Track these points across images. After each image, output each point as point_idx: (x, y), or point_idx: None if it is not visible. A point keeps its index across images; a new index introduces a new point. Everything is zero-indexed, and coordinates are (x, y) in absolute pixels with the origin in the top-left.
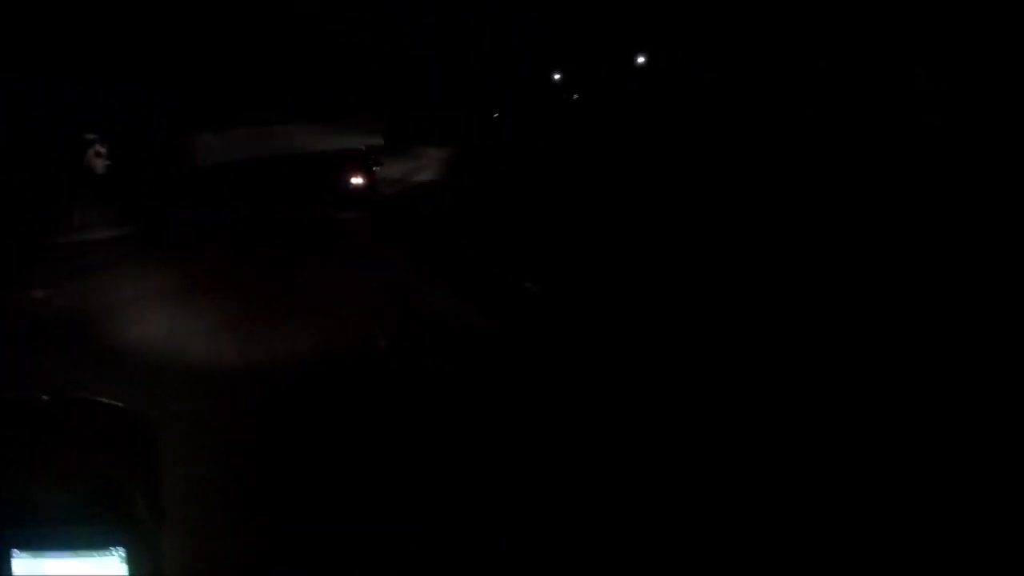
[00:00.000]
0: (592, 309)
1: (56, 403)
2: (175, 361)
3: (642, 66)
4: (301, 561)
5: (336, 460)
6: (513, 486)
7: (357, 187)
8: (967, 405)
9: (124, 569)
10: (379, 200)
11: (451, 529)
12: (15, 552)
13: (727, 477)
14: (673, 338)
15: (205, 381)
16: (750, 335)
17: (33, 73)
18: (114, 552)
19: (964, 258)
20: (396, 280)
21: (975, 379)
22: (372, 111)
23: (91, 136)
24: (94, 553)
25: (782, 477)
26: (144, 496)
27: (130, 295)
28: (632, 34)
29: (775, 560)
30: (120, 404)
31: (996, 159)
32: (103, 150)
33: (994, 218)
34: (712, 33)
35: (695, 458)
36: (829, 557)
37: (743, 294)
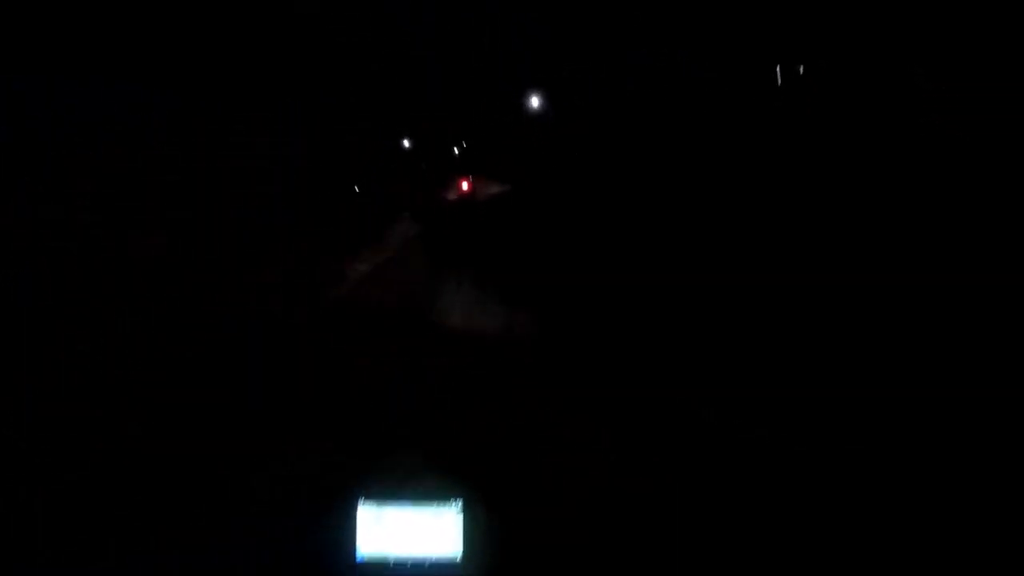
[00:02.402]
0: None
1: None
2: None
3: (641, 65)
4: None
5: None
6: None
7: None
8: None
9: (460, 521)
10: None
11: None
12: (362, 500)
13: None
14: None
15: None
16: (750, 340)
17: (33, 73)
18: (452, 504)
19: (964, 258)
20: None
21: (974, 380)
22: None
23: None
24: (433, 504)
25: None
26: (483, 455)
27: None
28: (630, 33)
29: None
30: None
31: (996, 159)
32: None
33: (994, 218)
34: (712, 33)
35: None
36: None
37: (742, 299)
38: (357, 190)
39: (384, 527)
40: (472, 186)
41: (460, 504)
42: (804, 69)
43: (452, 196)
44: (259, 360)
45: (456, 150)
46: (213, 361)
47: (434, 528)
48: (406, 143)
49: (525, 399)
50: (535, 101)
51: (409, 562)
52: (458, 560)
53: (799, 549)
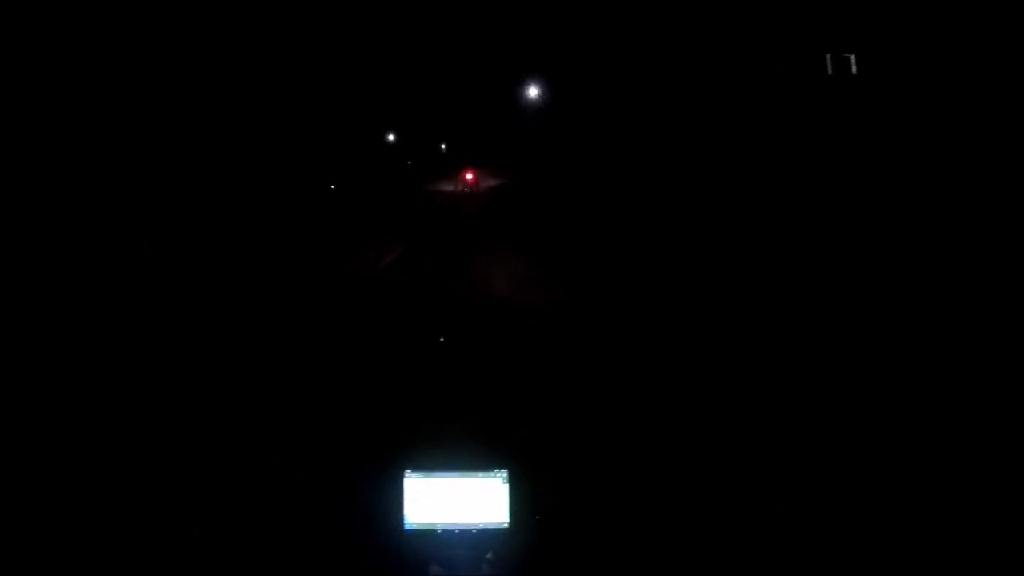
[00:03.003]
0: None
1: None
2: None
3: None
4: None
5: None
6: None
7: None
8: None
9: (506, 490)
10: None
11: None
12: (408, 472)
13: None
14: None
15: None
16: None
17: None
18: (497, 474)
19: (964, 259)
20: None
21: (976, 380)
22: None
23: None
24: (479, 474)
25: None
26: (528, 424)
27: None
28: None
29: None
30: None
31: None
32: None
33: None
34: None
35: None
36: None
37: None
38: (332, 188)
39: (431, 497)
40: (476, 178)
41: (506, 473)
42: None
43: (451, 188)
44: (305, 341)
45: (443, 146)
46: (261, 344)
47: (481, 497)
48: (391, 137)
49: (564, 368)
50: (532, 93)
51: (457, 530)
52: (505, 527)
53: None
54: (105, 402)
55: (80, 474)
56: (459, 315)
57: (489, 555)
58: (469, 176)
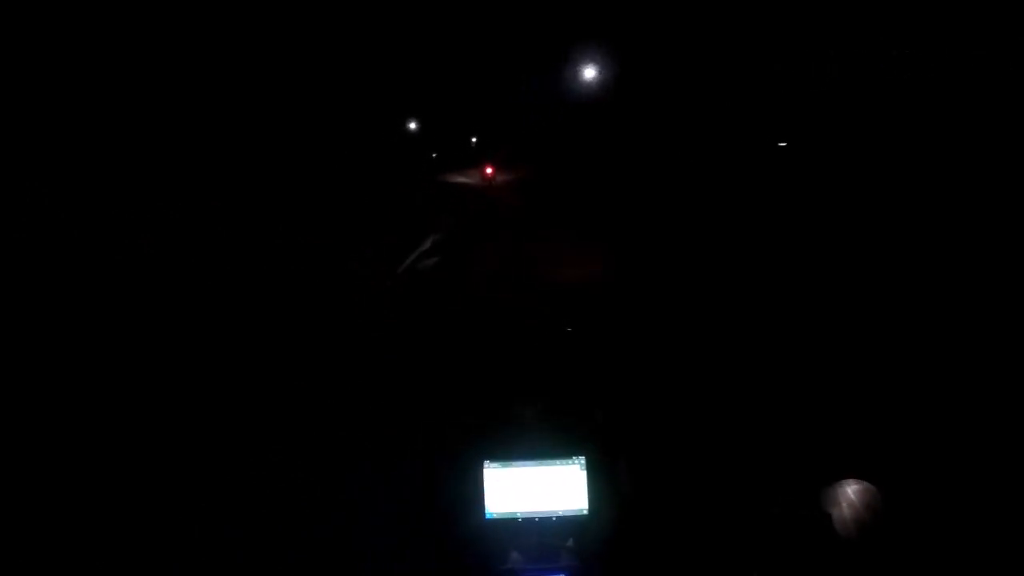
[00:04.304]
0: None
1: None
2: None
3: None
4: None
5: None
6: None
7: None
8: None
9: (584, 476)
10: None
11: None
12: (487, 463)
13: None
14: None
15: None
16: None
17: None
18: (575, 461)
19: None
20: None
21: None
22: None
23: None
24: (557, 461)
25: None
26: (603, 411)
27: None
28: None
29: None
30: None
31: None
32: None
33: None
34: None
35: None
36: None
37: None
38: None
39: (510, 486)
40: (495, 172)
41: (583, 460)
42: None
43: (470, 181)
44: (382, 336)
45: (473, 140)
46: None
47: (559, 484)
48: (412, 126)
49: (637, 353)
50: (580, 77)
51: (537, 518)
52: (584, 514)
53: None
54: (111, 402)
55: (82, 475)
56: (525, 301)
57: (569, 542)
58: (489, 171)
